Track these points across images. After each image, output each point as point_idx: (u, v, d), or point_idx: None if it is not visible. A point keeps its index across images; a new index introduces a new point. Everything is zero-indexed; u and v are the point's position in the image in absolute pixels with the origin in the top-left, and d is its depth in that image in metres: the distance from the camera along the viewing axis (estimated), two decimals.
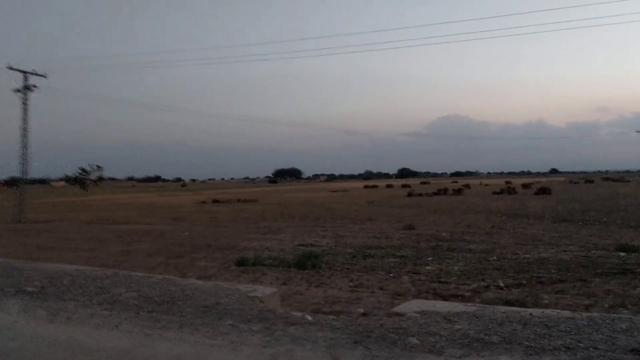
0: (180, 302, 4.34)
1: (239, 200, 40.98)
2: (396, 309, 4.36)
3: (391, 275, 8.96)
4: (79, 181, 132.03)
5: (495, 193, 43.89)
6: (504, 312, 3.90)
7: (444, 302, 5.13)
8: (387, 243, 13.29)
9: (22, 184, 25.37)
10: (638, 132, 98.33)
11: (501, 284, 8.02)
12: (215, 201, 41.43)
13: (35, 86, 23.89)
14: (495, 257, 10.69)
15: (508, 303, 6.77)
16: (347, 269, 9.60)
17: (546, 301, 6.89)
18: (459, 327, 3.69)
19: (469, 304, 4.55)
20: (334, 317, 4.60)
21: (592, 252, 11.20)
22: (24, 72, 23.87)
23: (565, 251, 11.40)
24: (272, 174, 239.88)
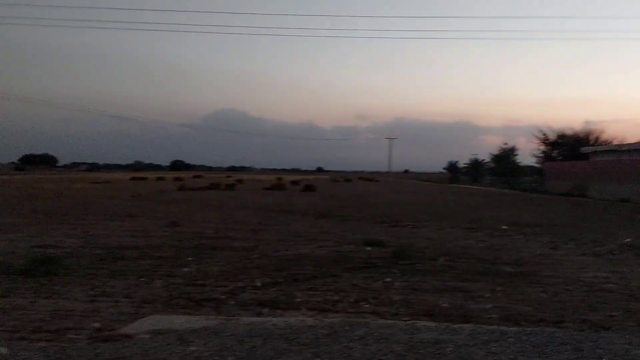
0: None
1: None
2: (126, 329, 3.63)
3: (142, 279, 8.01)
4: None
5: (266, 189, 45.47)
6: (248, 325, 3.53)
7: (184, 316, 4.55)
8: (146, 242, 12.17)
9: None
10: (387, 138, 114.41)
11: (258, 284, 7.84)
12: None
13: None
14: (256, 255, 10.60)
15: (262, 304, 6.59)
16: (91, 274, 8.28)
17: (298, 299, 6.91)
18: (194, 348, 3.17)
19: (211, 316, 4.09)
20: (43, 345, 3.58)
21: (345, 247, 12.03)
22: None
23: (321, 247, 12.00)
24: (19, 160, 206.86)
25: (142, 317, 4.23)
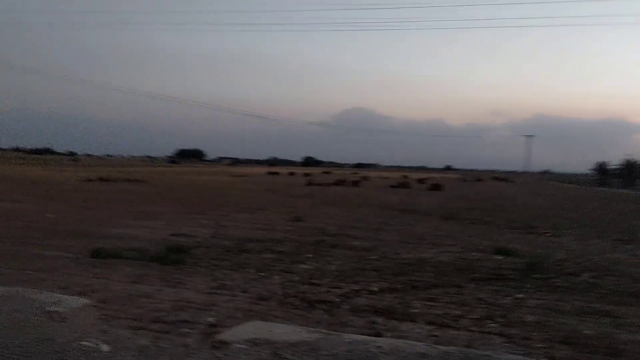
0: None
1: (128, 180, 38.17)
2: (224, 335, 3.55)
3: (262, 274, 8.14)
4: None
5: (391, 187, 44.97)
6: (350, 344, 3.22)
7: (286, 326, 4.36)
8: (270, 236, 12.49)
9: None
10: (525, 136, 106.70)
11: (374, 288, 7.52)
12: (102, 179, 38.27)
13: None
14: (375, 257, 10.28)
15: (376, 312, 6.26)
16: (215, 265, 8.62)
17: (416, 310, 6.45)
18: None
19: (313, 329, 3.86)
20: (143, 345, 3.63)
21: (471, 254, 11.20)
22: None
23: (445, 252, 11.30)
24: (174, 154, 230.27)
25: (244, 323, 4.14)
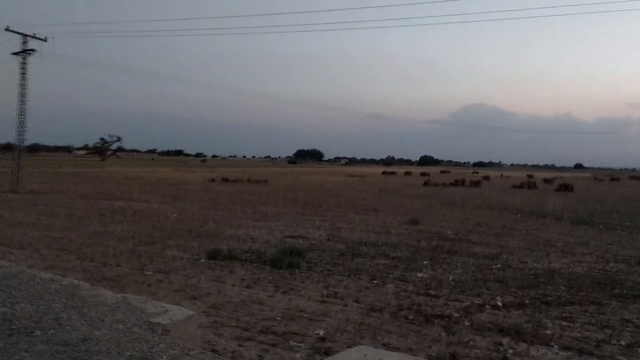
0: (40, 333, 3.30)
1: (248, 181, 40.09)
2: None
3: (375, 282, 7.84)
4: (99, 151, 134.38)
5: (514, 187, 42.11)
6: None
7: (395, 354, 3.97)
8: (384, 239, 12.14)
9: (19, 151, 24.69)
10: None
11: (499, 303, 6.85)
12: (224, 180, 40.64)
13: (33, 50, 23.08)
14: (499, 265, 9.47)
15: (502, 331, 5.65)
16: (329, 270, 8.49)
17: (549, 331, 5.72)
18: None
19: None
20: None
21: (611, 265, 9.90)
22: (24, 34, 23.04)
23: (580, 262, 10.11)
24: (293, 154, 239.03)
25: (351, 348, 3.85)
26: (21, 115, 23.36)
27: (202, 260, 8.96)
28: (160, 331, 3.51)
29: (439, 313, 6.25)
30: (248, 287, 7.17)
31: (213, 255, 9.18)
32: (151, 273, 7.74)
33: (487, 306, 6.68)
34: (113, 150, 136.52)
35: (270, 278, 7.72)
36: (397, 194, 30.36)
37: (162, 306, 4.01)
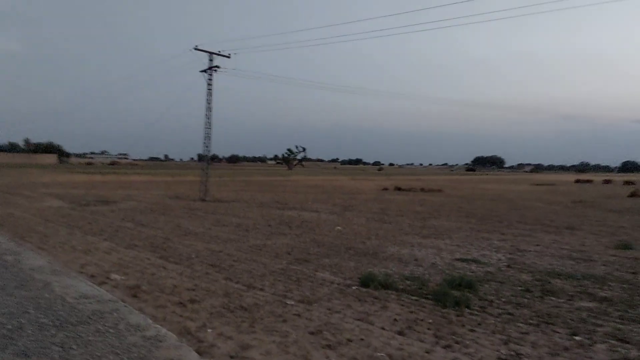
0: None
1: (422, 190, 38.25)
2: None
3: (577, 338, 5.69)
4: (286, 161, 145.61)
5: None
6: None
7: None
8: (586, 270, 9.53)
9: (206, 161, 26.70)
10: None
11: None
12: (397, 189, 39.46)
13: (218, 67, 24.76)
14: None
15: None
16: (509, 314, 6.53)
17: None
18: None
19: None
20: None
21: None
22: (210, 52, 24.85)
23: None
24: (471, 161, 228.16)
25: None
26: (207, 128, 25.23)
27: (354, 288, 7.71)
28: None
29: None
30: (400, 333, 5.66)
31: (366, 282, 7.88)
32: (292, 303, 6.74)
33: None
34: (299, 160, 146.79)
35: (431, 321, 6.10)
36: (598, 207, 25.63)
37: None
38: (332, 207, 22.28)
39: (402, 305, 6.79)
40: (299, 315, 6.18)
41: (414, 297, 7.19)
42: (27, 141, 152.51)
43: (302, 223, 16.12)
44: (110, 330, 4.98)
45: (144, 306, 6.34)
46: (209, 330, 5.48)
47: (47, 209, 18.66)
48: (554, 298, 7.45)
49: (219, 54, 24.88)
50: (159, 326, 5.28)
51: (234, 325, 5.68)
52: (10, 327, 5.07)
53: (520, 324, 6.11)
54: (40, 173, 58.30)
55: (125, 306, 6.03)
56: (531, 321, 6.24)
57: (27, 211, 17.81)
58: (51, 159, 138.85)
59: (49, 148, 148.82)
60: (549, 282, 8.42)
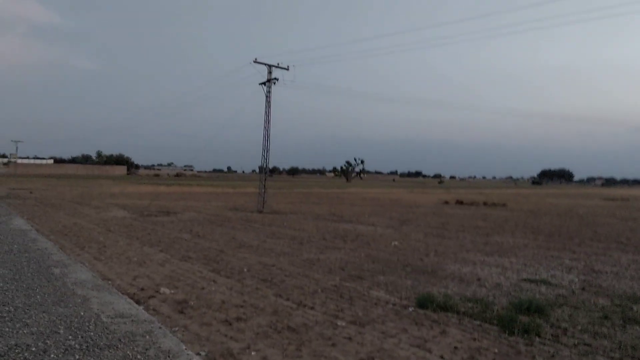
0: None
1: (484, 204, 36.76)
2: None
3: None
4: (344, 173, 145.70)
5: None
6: None
7: None
8: None
9: (264, 173, 26.85)
10: None
11: None
12: (458, 202, 38.15)
13: (276, 79, 24.93)
14: None
15: None
16: (586, 345, 5.82)
17: None
18: None
19: None
20: None
21: None
22: (269, 65, 25.08)
23: None
24: (537, 175, 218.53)
25: None
26: (265, 139, 25.42)
27: (410, 309, 7.21)
28: None
29: None
30: None
31: (424, 303, 7.36)
32: (344, 324, 6.34)
33: None
34: (357, 172, 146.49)
35: (496, 351, 5.51)
36: None
37: None
38: (388, 221, 21.70)
39: (464, 330, 6.24)
40: (350, 338, 5.77)
41: (476, 322, 6.60)
42: (99, 153, 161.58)
43: (357, 237, 15.71)
44: (138, 357, 4.78)
45: (189, 323, 6.15)
46: (253, 354, 5.19)
47: (111, 219, 19.30)
48: (638, 327, 6.63)
49: (277, 67, 25.09)
50: (191, 352, 5.03)
51: (280, 348, 5.36)
52: (34, 349, 4.85)
53: (600, 357, 5.41)
54: (110, 184, 61.26)
55: (160, 327, 5.80)
56: (612, 354, 5.52)
57: (92, 221, 18.48)
58: (121, 170, 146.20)
59: (119, 160, 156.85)
60: (631, 309, 7.56)
